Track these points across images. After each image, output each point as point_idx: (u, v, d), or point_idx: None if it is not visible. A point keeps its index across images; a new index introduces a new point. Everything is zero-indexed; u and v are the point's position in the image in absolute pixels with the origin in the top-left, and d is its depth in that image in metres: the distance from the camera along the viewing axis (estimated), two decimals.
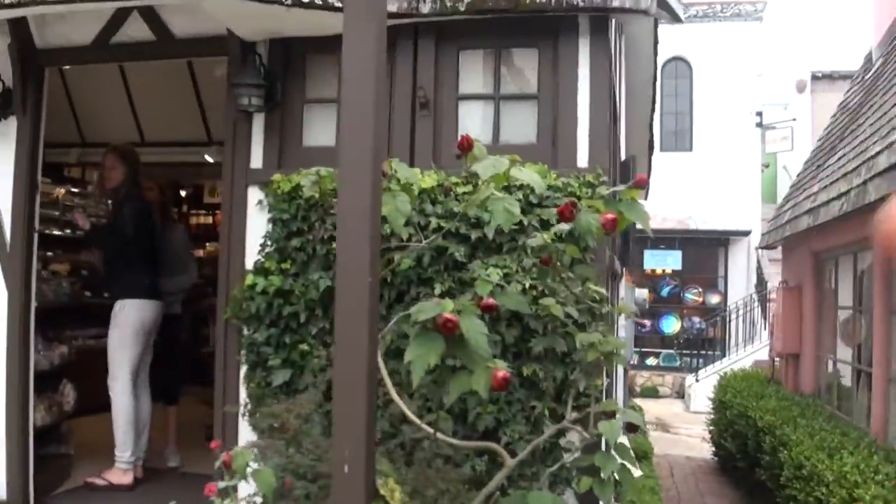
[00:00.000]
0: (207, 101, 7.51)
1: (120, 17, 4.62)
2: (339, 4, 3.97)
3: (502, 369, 2.73)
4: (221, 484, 3.00)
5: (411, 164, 4.13)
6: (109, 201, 5.71)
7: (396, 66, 4.22)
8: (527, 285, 3.78)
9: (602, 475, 3.01)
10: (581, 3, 3.88)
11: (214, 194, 9.64)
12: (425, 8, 4.00)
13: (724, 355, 13.69)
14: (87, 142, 8.09)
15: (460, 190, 3.94)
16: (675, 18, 4.06)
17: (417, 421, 3.07)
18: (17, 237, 4.86)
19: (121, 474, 4.97)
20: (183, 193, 9.72)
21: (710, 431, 9.01)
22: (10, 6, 4.20)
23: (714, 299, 14.96)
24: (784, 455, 5.63)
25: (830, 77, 14.87)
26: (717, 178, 14.00)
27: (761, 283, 13.16)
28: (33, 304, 4.93)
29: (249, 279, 4.16)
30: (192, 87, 7.41)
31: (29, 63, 4.83)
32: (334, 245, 3.97)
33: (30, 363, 4.90)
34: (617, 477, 2.96)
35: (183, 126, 7.61)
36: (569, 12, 3.95)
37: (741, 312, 13.35)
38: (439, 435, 3.19)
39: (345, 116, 2.72)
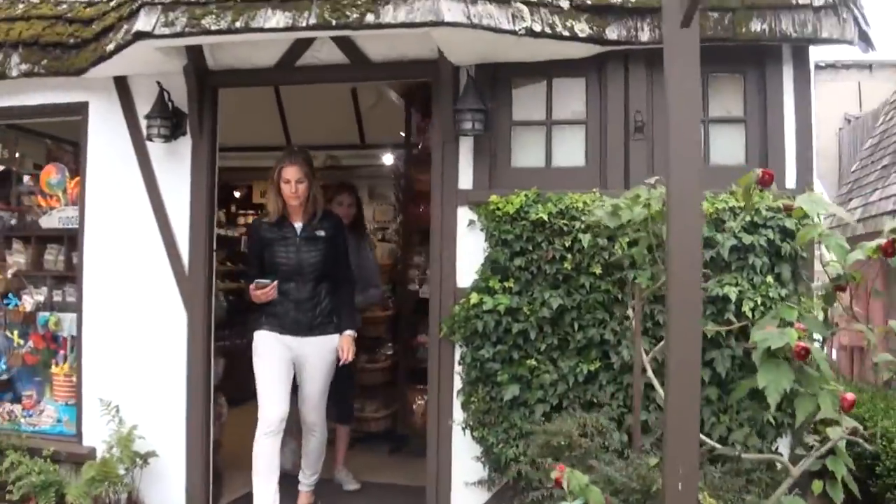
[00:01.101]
0: (290, 107, 7.80)
1: (307, 40, 4.88)
2: (565, 33, 4.37)
3: (849, 392, 3.25)
4: None
5: (626, 186, 4.56)
6: (295, 219, 4.91)
7: (608, 90, 4.64)
8: (758, 302, 4.27)
9: (837, 476, 3.54)
10: (793, 34, 4.36)
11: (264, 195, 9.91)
12: (644, 36, 4.42)
13: None
14: None
15: None
16: (870, 46, 4.58)
17: (708, 440, 3.54)
18: (195, 260, 5.10)
19: (311, 495, 5.26)
20: (237, 194, 9.99)
21: None
22: (218, 32, 4.43)
23: None
24: (880, 445, 6.24)
25: (833, 67, 15.83)
26: None
27: None
28: (212, 326, 5.19)
29: (474, 298, 4.52)
30: (274, 95, 7.69)
31: (204, 84, 5.06)
32: (565, 265, 4.41)
33: (210, 383, 5.16)
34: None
35: (263, 132, 7.86)
36: (781, 42, 4.43)
37: None
38: (715, 445, 3.67)
39: (673, 144, 3.15)
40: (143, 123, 5.08)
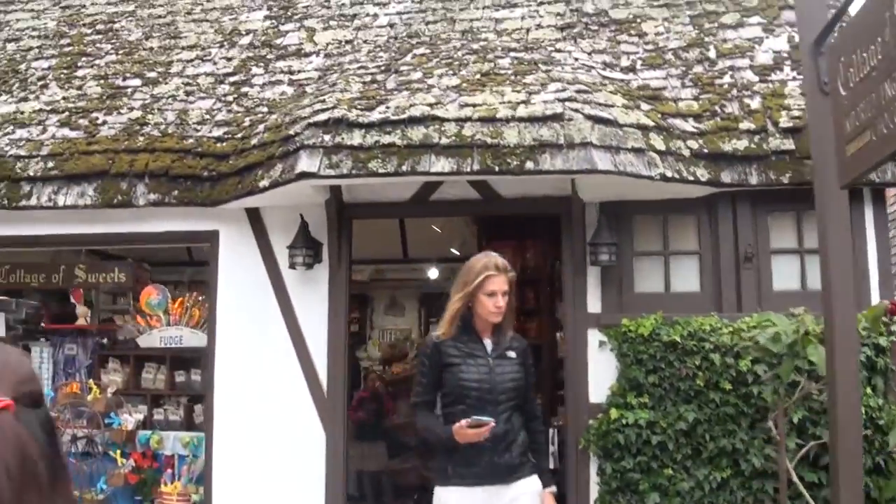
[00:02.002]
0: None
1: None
2: (690, 178, 5.09)
3: None
4: None
5: (739, 310, 5.25)
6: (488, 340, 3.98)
7: (718, 225, 5.36)
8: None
9: None
10: (875, 179, 5.20)
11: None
12: (753, 179, 5.17)
13: None
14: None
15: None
16: None
17: None
18: (334, 382, 5.45)
19: None
20: None
21: None
22: (385, 174, 4.96)
23: None
24: None
25: None
26: None
27: None
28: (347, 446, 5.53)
29: (614, 413, 5.05)
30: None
31: (341, 216, 5.54)
32: (697, 381, 5.02)
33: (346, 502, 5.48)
34: None
35: None
36: (864, 185, 5.27)
37: None
38: None
39: (834, 284, 3.83)
40: (286, 252, 5.47)
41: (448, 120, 5.01)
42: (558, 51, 5.92)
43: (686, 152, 5.14)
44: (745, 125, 5.32)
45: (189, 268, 8.48)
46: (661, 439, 5.01)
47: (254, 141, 5.54)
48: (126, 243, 6.09)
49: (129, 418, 6.14)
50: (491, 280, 3.88)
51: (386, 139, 4.97)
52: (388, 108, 5.16)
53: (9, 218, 6.11)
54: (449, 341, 3.94)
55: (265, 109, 5.96)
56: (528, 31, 6.27)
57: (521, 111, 4.99)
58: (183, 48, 6.82)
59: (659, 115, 5.30)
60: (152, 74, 6.57)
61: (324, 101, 5.39)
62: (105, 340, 6.62)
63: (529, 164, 4.83)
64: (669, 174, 4.98)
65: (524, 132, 4.89)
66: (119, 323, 6.60)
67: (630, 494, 5.06)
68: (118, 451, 6.10)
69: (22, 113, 6.61)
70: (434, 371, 3.95)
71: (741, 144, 5.22)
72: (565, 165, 4.80)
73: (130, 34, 7.18)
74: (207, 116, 6.02)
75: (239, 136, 5.74)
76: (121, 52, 6.96)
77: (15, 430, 0.95)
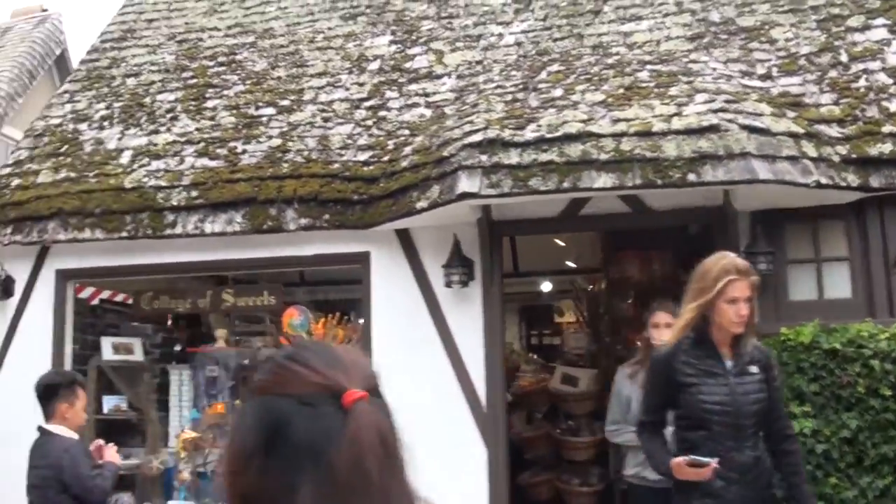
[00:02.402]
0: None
1: None
2: (842, 184, 5.19)
3: None
4: None
5: (890, 314, 5.33)
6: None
7: (867, 230, 5.45)
8: None
9: None
10: None
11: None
12: None
13: None
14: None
15: None
16: None
17: None
18: (493, 397, 5.58)
19: None
20: None
21: None
22: (546, 192, 5.12)
23: None
24: None
25: None
26: None
27: None
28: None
29: None
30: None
31: (492, 234, 5.71)
32: (858, 388, 5.11)
33: None
34: None
35: None
36: None
37: None
38: None
39: None
40: (438, 271, 5.65)
41: (604, 136, 5.16)
42: (693, 62, 6.05)
43: (836, 158, 5.25)
44: (888, 128, 5.40)
45: (299, 287, 8.67)
46: (826, 448, 5.08)
47: (404, 164, 5.73)
48: (275, 267, 6.32)
49: None
50: (733, 285, 3.49)
51: (543, 157, 5.13)
52: (539, 126, 5.33)
53: (152, 247, 6.38)
54: (682, 356, 3.58)
55: (407, 132, 6.16)
56: (658, 42, 6.41)
57: (676, 124, 5.13)
58: (312, 76, 7.05)
59: (805, 122, 5.41)
60: (285, 103, 6.81)
61: (472, 121, 5.57)
62: (247, 361, 6.83)
63: (692, 177, 4.96)
64: (823, 181, 5.09)
65: (682, 145, 5.03)
66: (259, 344, 6.83)
67: None
68: None
69: (155, 145, 6.86)
70: (663, 389, 3.66)
71: (886, 148, 5.30)
72: (727, 176, 4.93)
73: (255, 65, 7.42)
74: (349, 141, 6.23)
75: (385, 158, 5.94)
76: (248, 82, 7.21)
77: (374, 416, 1.08)
